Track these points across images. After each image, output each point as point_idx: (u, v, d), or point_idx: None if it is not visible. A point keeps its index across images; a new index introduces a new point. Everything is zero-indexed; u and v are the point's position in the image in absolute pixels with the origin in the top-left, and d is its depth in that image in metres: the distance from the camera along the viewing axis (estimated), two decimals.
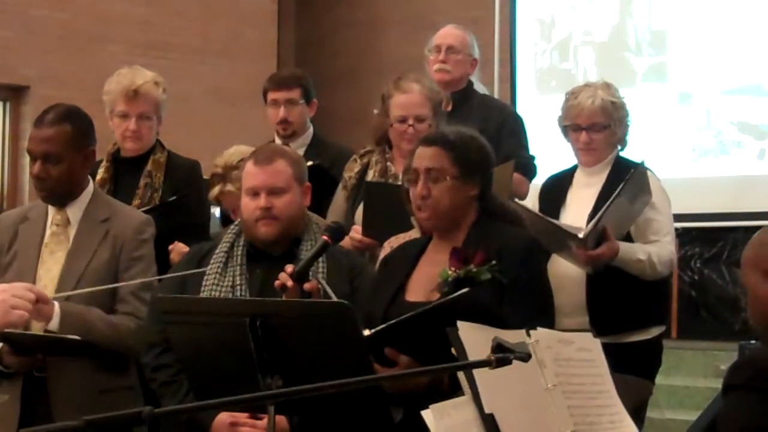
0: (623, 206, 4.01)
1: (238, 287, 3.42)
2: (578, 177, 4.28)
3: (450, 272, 3.09)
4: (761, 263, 2.61)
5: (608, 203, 3.92)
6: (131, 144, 4.48)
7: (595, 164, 4.22)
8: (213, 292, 3.41)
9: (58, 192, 3.70)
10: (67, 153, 3.66)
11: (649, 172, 4.16)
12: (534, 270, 3.20)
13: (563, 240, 3.97)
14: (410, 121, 4.17)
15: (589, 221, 4.06)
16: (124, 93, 4.42)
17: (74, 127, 3.69)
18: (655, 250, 4.07)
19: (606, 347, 3.76)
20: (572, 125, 4.19)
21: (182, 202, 4.37)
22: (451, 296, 2.86)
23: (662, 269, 4.10)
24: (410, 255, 3.33)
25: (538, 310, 3.07)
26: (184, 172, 4.51)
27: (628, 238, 4.12)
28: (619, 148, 4.26)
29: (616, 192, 3.94)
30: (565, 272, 4.02)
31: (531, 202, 4.41)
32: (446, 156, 3.23)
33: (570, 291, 4.02)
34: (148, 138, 4.47)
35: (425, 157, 3.26)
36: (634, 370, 3.79)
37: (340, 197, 4.38)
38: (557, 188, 4.30)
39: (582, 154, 4.22)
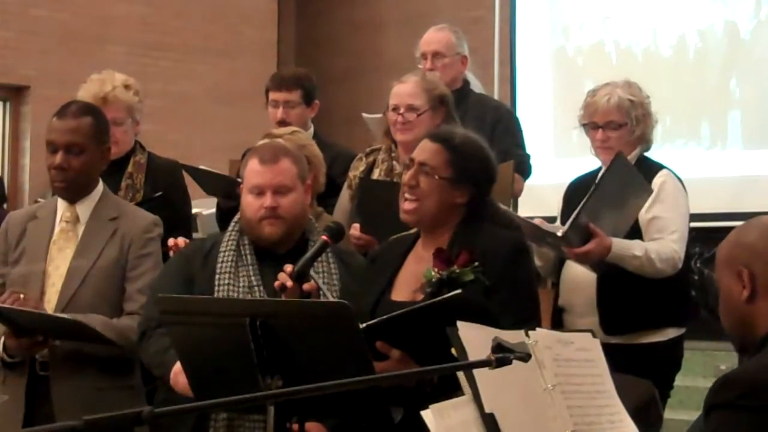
0: (611, 200, 3.92)
1: (256, 288, 3.40)
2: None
3: (434, 273, 3.07)
4: (734, 264, 2.51)
5: (586, 197, 3.85)
6: None
7: None
8: (231, 293, 3.37)
9: (77, 184, 3.72)
10: (89, 145, 3.70)
11: (667, 171, 4.12)
12: (518, 272, 3.15)
13: (551, 240, 3.94)
14: (401, 110, 4.15)
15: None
16: (93, 101, 4.42)
17: (96, 120, 3.75)
18: (655, 246, 3.95)
19: (618, 347, 3.76)
20: (590, 123, 4.15)
21: (167, 198, 4.35)
22: (445, 296, 2.83)
23: (662, 266, 3.96)
24: (398, 252, 3.31)
25: (522, 313, 3.00)
26: (165, 172, 4.50)
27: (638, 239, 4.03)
28: (642, 147, 4.16)
29: (595, 184, 3.90)
30: (578, 273, 4.00)
31: (556, 203, 4.37)
32: (445, 156, 3.21)
33: (582, 291, 4.01)
34: (124, 142, 4.44)
35: (425, 150, 3.25)
36: (647, 371, 3.69)
37: (345, 197, 4.36)
38: (580, 189, 4.17)
39: (600, 152, 4.16)
